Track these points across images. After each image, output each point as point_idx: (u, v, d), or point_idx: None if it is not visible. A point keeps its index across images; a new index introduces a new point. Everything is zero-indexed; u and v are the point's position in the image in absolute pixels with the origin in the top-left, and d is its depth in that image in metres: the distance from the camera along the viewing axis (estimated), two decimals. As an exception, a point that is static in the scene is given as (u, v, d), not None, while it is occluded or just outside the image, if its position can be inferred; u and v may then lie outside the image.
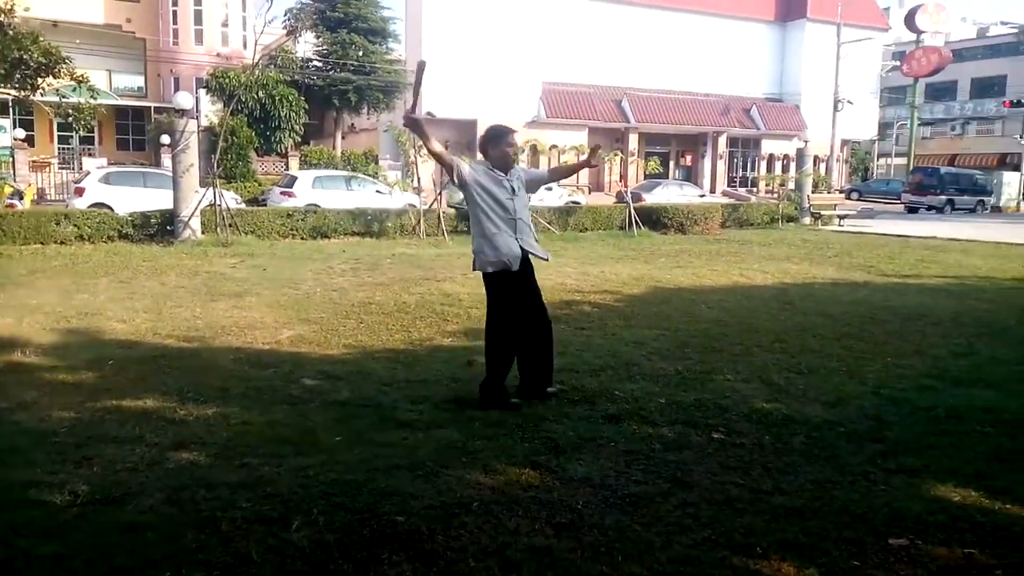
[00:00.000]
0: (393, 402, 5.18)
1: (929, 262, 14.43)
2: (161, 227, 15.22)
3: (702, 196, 29.72)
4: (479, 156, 5.25)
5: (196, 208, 15.06)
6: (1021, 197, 40.20)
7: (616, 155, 25.79)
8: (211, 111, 32.32)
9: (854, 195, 45.99)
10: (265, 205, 21.80)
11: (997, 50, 59.17)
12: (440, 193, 18.62)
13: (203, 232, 15.25)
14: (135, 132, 37.66)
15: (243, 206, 19.89)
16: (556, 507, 3.61)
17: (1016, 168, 42.67)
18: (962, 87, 60.26)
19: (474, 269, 5.14)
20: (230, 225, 15.28)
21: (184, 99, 16.38)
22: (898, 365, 6.46)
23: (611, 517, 3.53)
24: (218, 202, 15.40)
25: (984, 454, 4.42)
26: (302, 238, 16.38)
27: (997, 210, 38.49)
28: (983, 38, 65.63)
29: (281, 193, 22.46)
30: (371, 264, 12.60)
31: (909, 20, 51.10)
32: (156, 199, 17.41)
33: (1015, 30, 47.20)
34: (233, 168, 29.01)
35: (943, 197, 37.00)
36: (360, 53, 34.60)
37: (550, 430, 4.67)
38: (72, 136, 33.08)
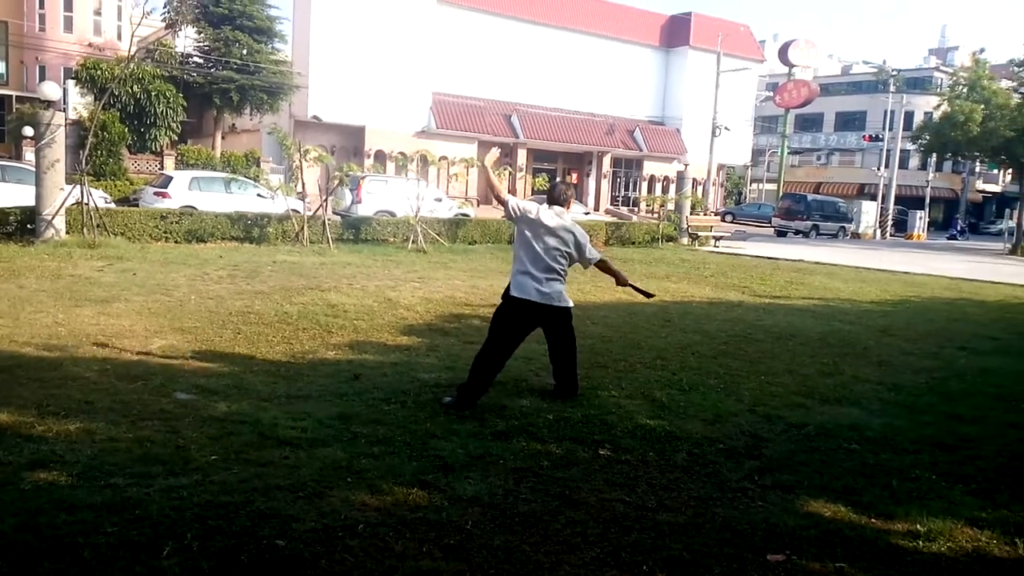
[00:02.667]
0: (273, 418, 4.97)
1: (797, 284, 15.24)
2: (21, 225, 14.19)
3: (587, 214, 30.47)
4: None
5: (61, 206, 14.11)
6: (877, 225, 43.14)
7: (506, 170, 25.97)
8: (80, 104, 30.45)
9: (728, 217, 48.28)
10: (137, 205, 20.67)
11: (859, 87, 63.72)
12: (326, 199, 18.19)
13: (68, 232, 14.30)
14: (-8, 122, 35.05)
15: (113, 206, 18.84)
16: (445, 528, 3.54)
17: (873, 198, 45.79)
18: (828, 120, 64.53)
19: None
20: (98, 225, 14.41)
21: (50, 89, 15.34)
22: (771, 383, 6.76)
23: (500, 537, 3.49)
24: (86, 200, 14.49)
25: (851, 470, 4.66)
26: (176, 241, 15.63)
27: (856, 236, 41.25)
28: (847, 75, 70.81)
29: (155, 193, 21.35)
30: (250, 271, 12.15)
31: (782, 53, 54.57)
32: (15, 194, 16.27)
33: (874, 70, 50.84)
34: (103, 165, 27.48)
35: (809, 222, 39.38)
36: (244, 51, 33.47)
37: (438, 448, 4.60)
38: (-81, 122, 30.43)
